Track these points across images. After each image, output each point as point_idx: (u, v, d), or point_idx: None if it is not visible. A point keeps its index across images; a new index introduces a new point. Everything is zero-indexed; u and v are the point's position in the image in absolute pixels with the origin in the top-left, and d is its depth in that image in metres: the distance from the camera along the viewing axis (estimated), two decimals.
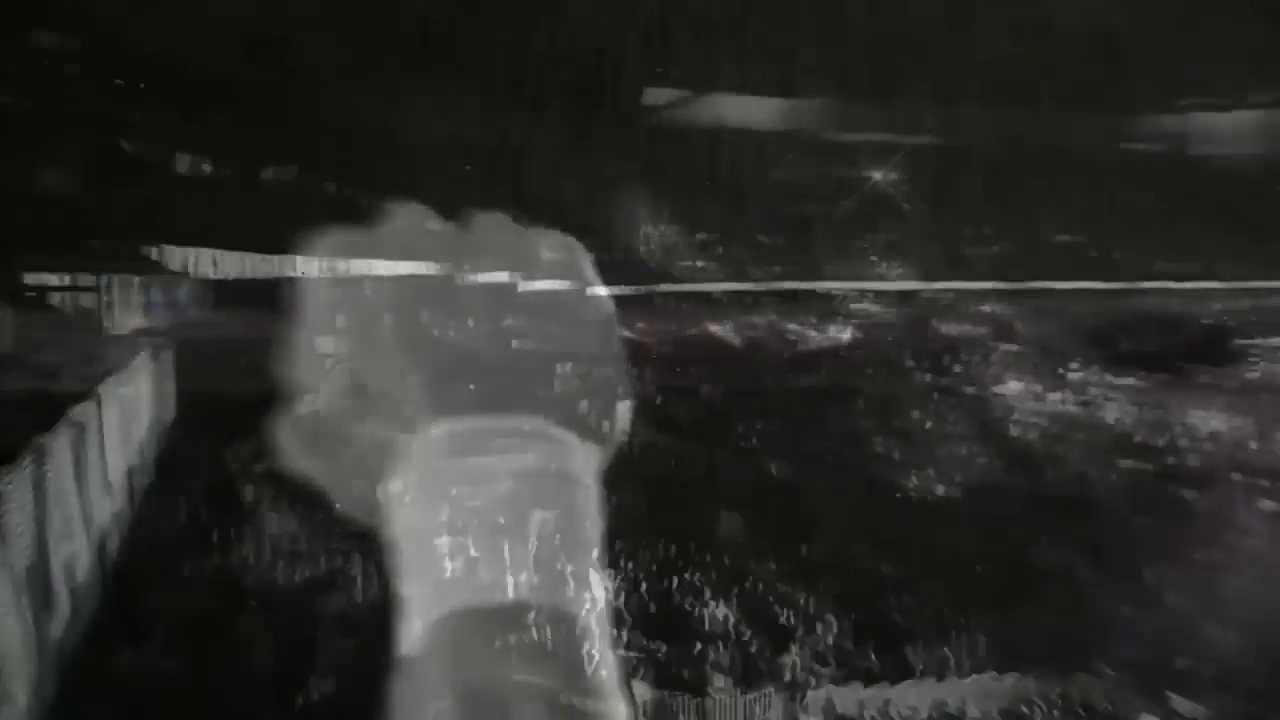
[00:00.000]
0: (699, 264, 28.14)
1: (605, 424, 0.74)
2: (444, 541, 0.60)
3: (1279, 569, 14.05)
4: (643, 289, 26.29)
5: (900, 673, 10.25)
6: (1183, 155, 33.31)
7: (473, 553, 0.60)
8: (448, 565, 0.59)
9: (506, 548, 0.60)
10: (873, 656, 10.49)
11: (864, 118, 32.77)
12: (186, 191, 25.15)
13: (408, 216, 0.76)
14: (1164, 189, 32.73)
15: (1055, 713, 9.66)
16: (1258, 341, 26.36)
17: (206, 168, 27.43)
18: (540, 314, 0.76)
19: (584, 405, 0.72)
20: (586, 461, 0.71)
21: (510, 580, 0.59)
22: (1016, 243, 31.17)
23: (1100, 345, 25.36)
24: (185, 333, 20.31)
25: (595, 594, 0.64)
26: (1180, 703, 9.85)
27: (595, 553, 0.67)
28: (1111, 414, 22.77)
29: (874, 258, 29.93)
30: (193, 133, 26.08)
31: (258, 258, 21.31)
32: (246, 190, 26.64)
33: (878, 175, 31.75)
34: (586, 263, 0.80)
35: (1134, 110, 32.37)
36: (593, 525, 0.69)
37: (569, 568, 0.63)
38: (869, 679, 9.93)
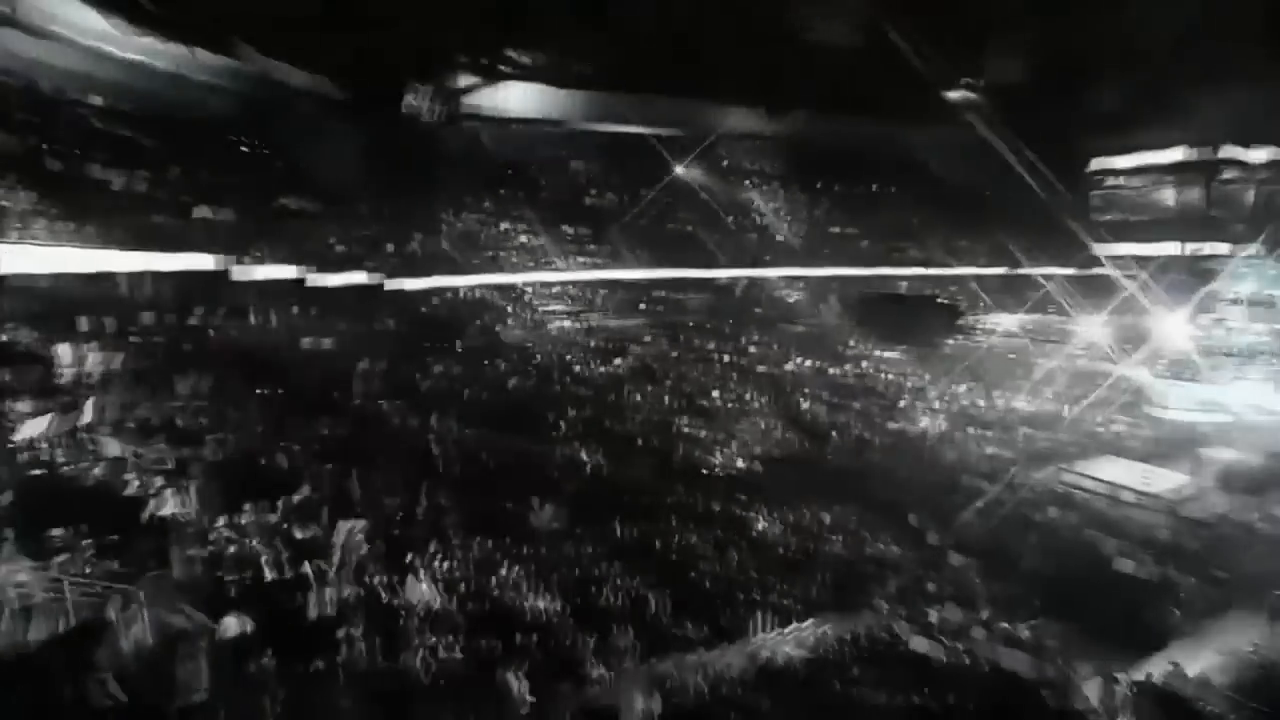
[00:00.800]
0: (501, 254, 27.68)
1: None
2: None
3: (1003, 506, 17.02)
4: (447, 280, 25.40)
5: (717, 637, 10.94)
6: (926, 168, 38.56)
7: None
8: None
9: None
10: (689, 626, 11.08)
11: (665, 112, 34.21)
12: None
13: None
14: (916, 191, 37.87)
15: (848, 650, 10.90)
16: (981, 318, 31.46)
17: None
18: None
19: None
20: None
21: None
22: (800, 233, 34.34)
23: (869, 324, 28.77)
24: None
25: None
26: (935, 616, 11.69)
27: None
28: (881, 383, 25.99)
29: (674, 247, 31.31)
30: None
31: None
32: None
33: (679, 169, 33.28)
34: None
35: (900, 121, 36.66)
36: None
37: None
38: (688, 646, 10.49)
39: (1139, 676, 10.28)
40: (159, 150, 22.43)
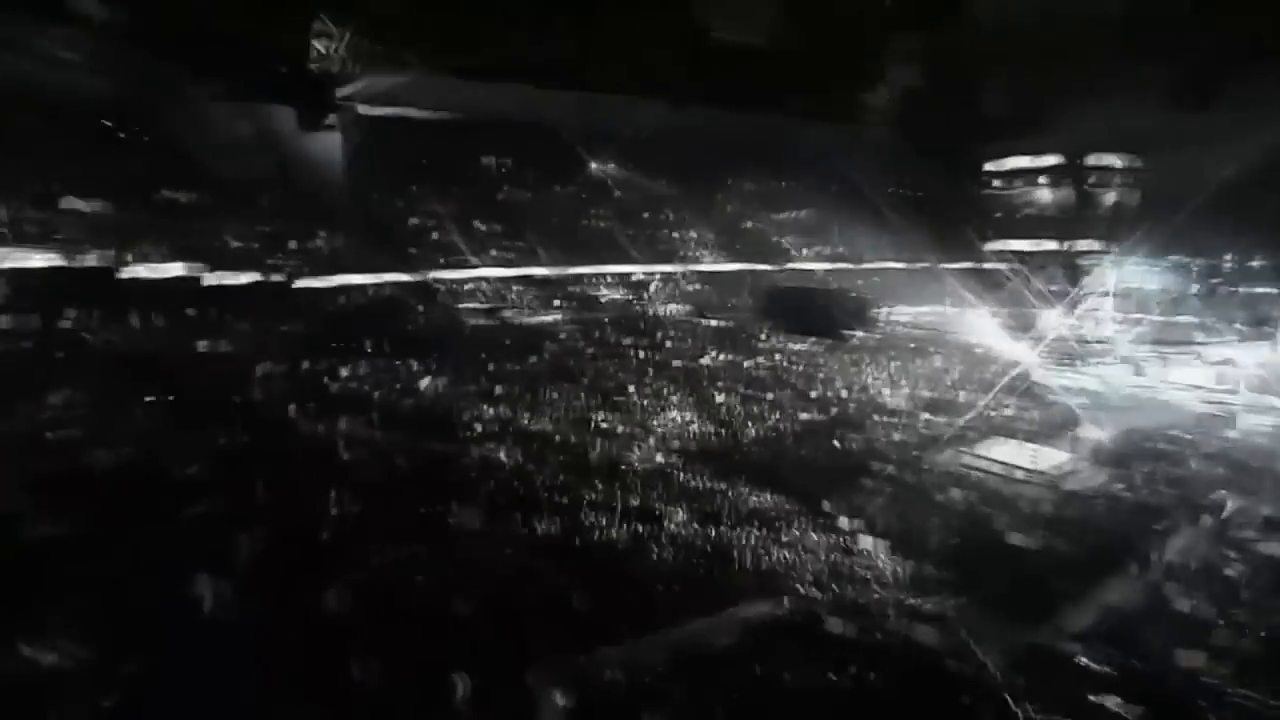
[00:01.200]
0: (413, 250, 26.84)
1: None
2: None
3: (908, 489, 17.89)
4: (354, 278, 24.42)
5: (636, 629, 10.99)
6: (834, 166, 40.20)
7: None
8: None
9: None
10: (611, 620, 11.07)
11: (578, 107, 34.01)
12: None
13: None
14: (824, 188, 39.28)
15: (767, 634, 11.19)
16: (886, 310, 32.94)
17: None
18: None
19: None
20: None
21: None
22: (713, 229, 34.94)
23: (780, 317, 29.57)
24: None
25: None
26: (849, 597, 12.21)
27: None
28: (793, 375, 26.80)
29: (589, 243, 31.24)
30: None
31: None
32: None
33: (594, 165, 33.20)
34: None
35: (809, 119, 37.86)
36: None
37: None
38: (608, 641, 10.48)
39: (1031, 640, 11.11)
40: (18, 135, 20.50)
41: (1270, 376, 21.06)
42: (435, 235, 27.89)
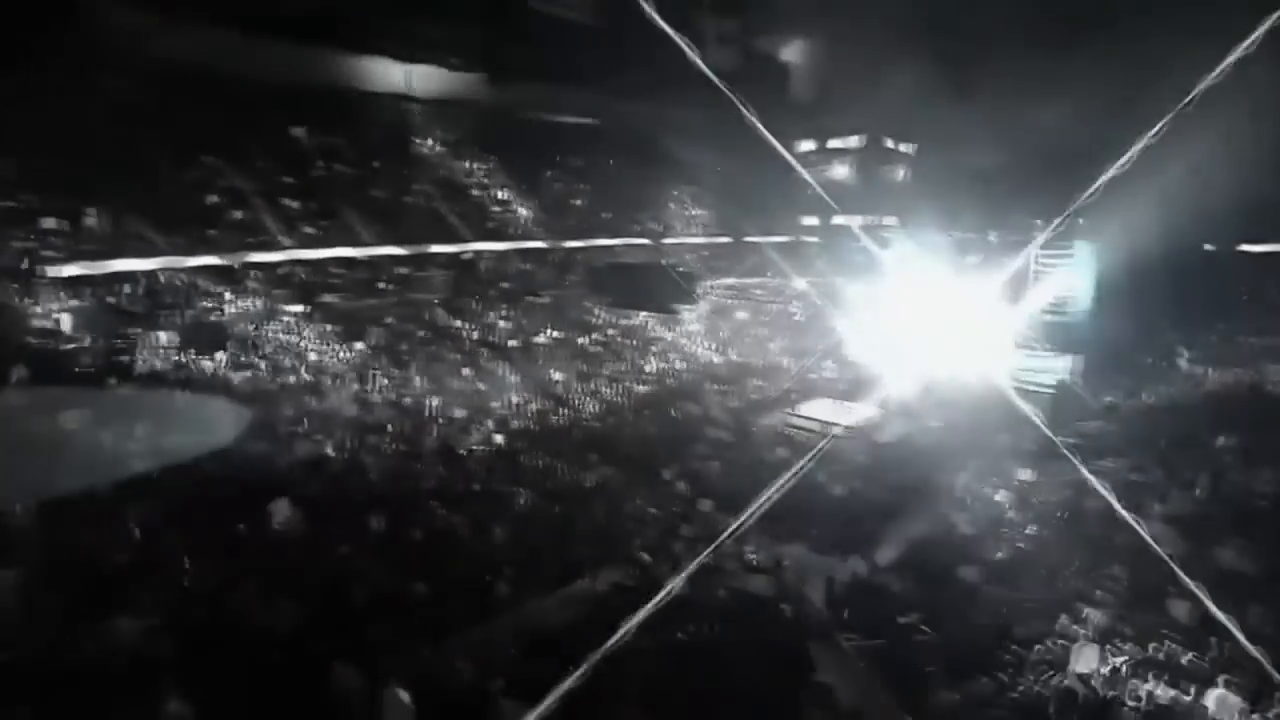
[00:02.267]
0: (211, 231, 24.01)
1: None
2: None
3: (740, 452, 18.96)
4: (138, 263, 21.47)
5: (482, 615, 10.80)
6: (658, 144, 41.13)
7: None
8: None
9: None
10: (453, 609, 10.77)
11: (396, 76, 32.12)
12: None
13: None
14: (651, 165, 39.96)
15: (613, 603, 11.42)
16: (711, 282, 34.41)
17: None
18: None
19: None
20: None
21: None
22: (543, 205, 34.45)
23: (612, 293, 29.96)
24: None
25: None
26: (690, 559, 12.74)
27: None
28: (627, 349, 27.34)
29: (413, 221, 29.64)
30: None
31: None
32: None
33: (416, 139, 31.38)
34: None
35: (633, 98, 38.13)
36: None
37: None
38: (452, 630, 10.21)
39: (851, 575, 12.33)
40: None
41: (1027, 330, 24.59)
42: (238, 214, 25.14)
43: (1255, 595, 10.23)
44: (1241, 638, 8.60)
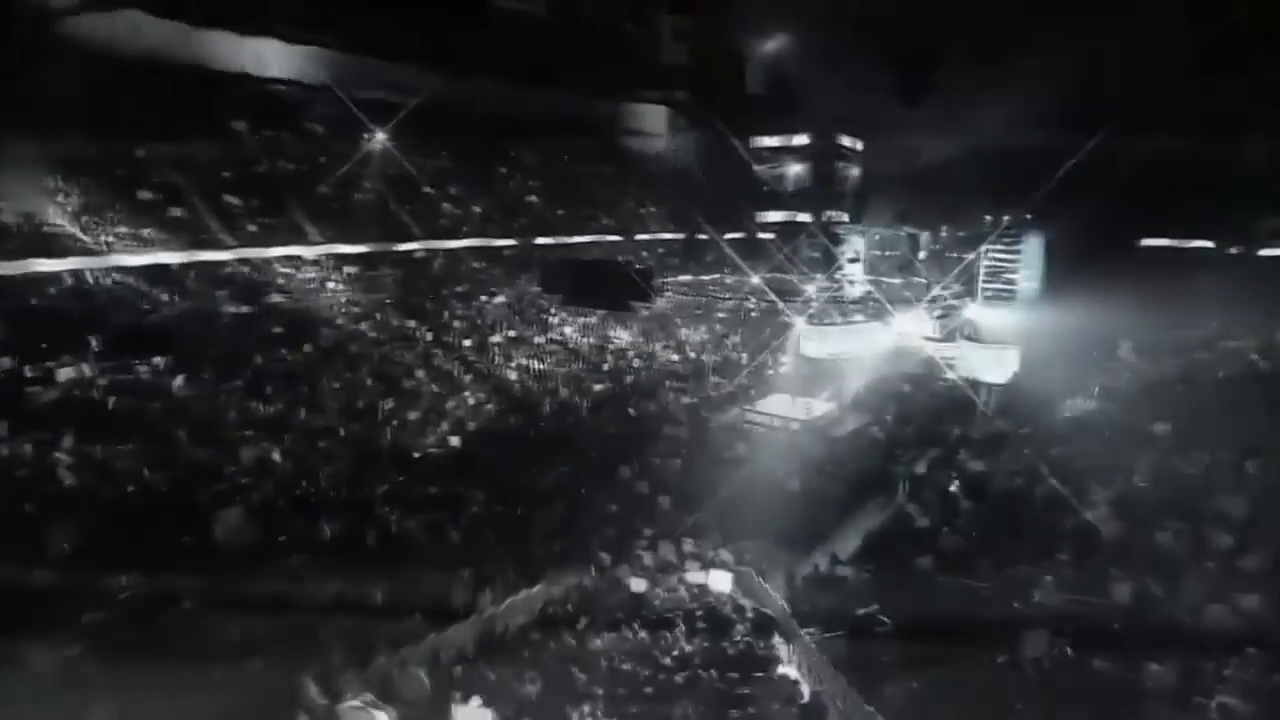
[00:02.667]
0: (144, 231, 23.04)
1: None
2: None
3: (699, 449, 19.10)
4: (62, 263, 20.52)
5: (441, 622, 10.64)
6: (614, 140, 41.18)
7: None
8: None
9: None
10: (410, 617, 10.58)
11: (347, 70, 31.40)
12: None
13: None
14: (605, 162, 39.97)
15: (575, 604, 11.44)
16: (668, 279, 34.49)
17: None
18: None
19: None
20: None
21: None
22: (496, 202, 34.02)
23: (568, 291, 29.71)
24: None
25: None
26: (649, 557, 12.88)
27: None
28: (583, 349, 27.23)
29: (363, 219, 28.96)
30: None
31: None
32: None
33: (365, 134, 30.61)
34: None
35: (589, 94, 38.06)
36: None
37: None
38: (409, 639, 10.05)
39: (812, 568, 12.53)
40: None
41: (976, 323, 25.33)
42: (177, 211, 24.24)
43: (1193, 573, 10.76)
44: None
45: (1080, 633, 10.06)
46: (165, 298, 22.00)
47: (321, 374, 21.24)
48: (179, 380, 18.76)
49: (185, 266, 23.04)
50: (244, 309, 23.10)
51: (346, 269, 27.26)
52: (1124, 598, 10.72)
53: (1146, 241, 31.45)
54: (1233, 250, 30.09)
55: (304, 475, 15.69)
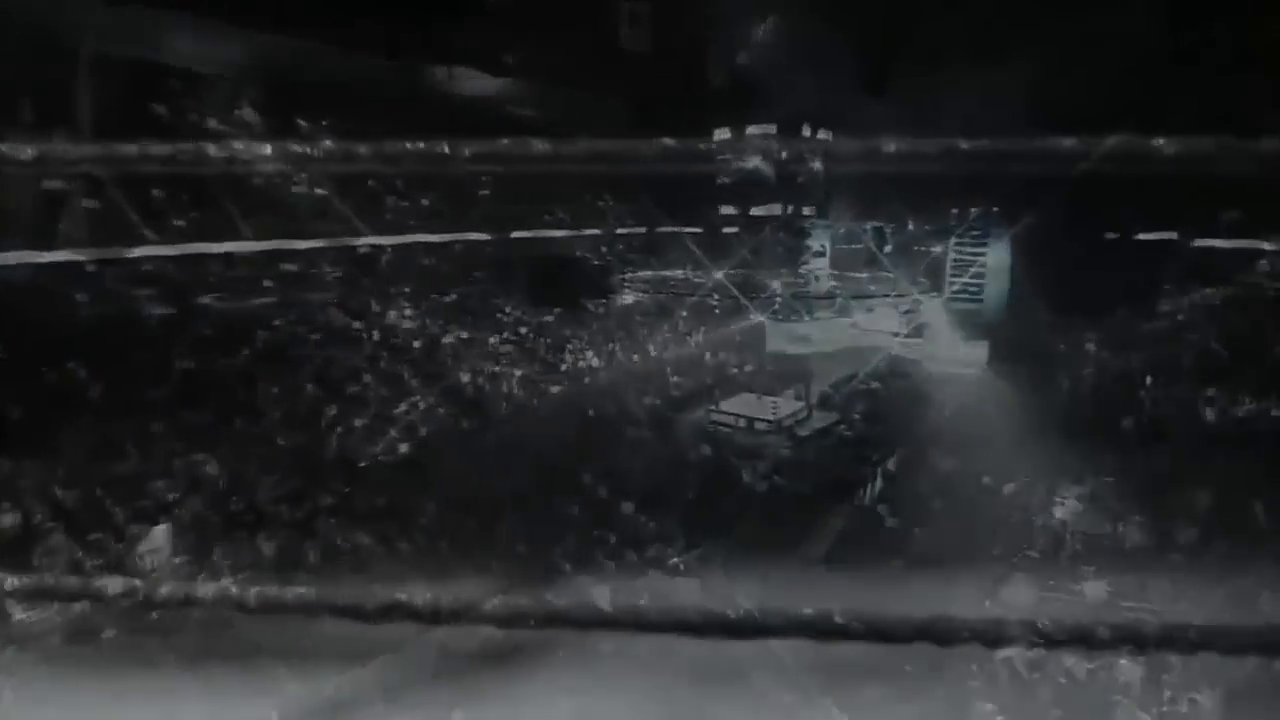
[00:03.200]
0: (61, 226, 22.16)
1: None
2: None
3: (663, 451, 19.17)
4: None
5: (389, 640, 10.46)
6: (566, 132, 40.92)
7: None
8: None
9: None
10: (358, 633, 10.41)
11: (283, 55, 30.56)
12: None
13: None
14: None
15: (534, 616, 11.31)
16: (628, 275, 34.54)
17: None
18: None
19: None
20: None
21: None
22: (446, 195, 33.58)
23: (523, 288, 29.62)
24: None
25: None
26: (613, 565, 12.86)
27: None
28: (540, 347, 27.10)
29: (302, 213, 28.30)
30: None
31: None
32: None
33: (304, 123, 29.87)
34: None
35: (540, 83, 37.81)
36: None
37: None
38: (359, 657, 9.88)
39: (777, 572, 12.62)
40: None
41: (942, 318, 25.95)
42: (93, 203, 23.31)
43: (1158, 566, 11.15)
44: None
45: (1050, 629, 10.32)
46: (81, 297, 21.18)
47: (258, 379, 20.74)
48: (98, 387, 18.11)
49: (102, 264, 22.20)
50: (172, 310, 22.39)
51: (284, 266, 26.63)
52: (1093, 592, 11.08)
53: (1111, 235, 32.54)
54: (1196, 243, 31.32)
55: (238, 487, 15.29)
